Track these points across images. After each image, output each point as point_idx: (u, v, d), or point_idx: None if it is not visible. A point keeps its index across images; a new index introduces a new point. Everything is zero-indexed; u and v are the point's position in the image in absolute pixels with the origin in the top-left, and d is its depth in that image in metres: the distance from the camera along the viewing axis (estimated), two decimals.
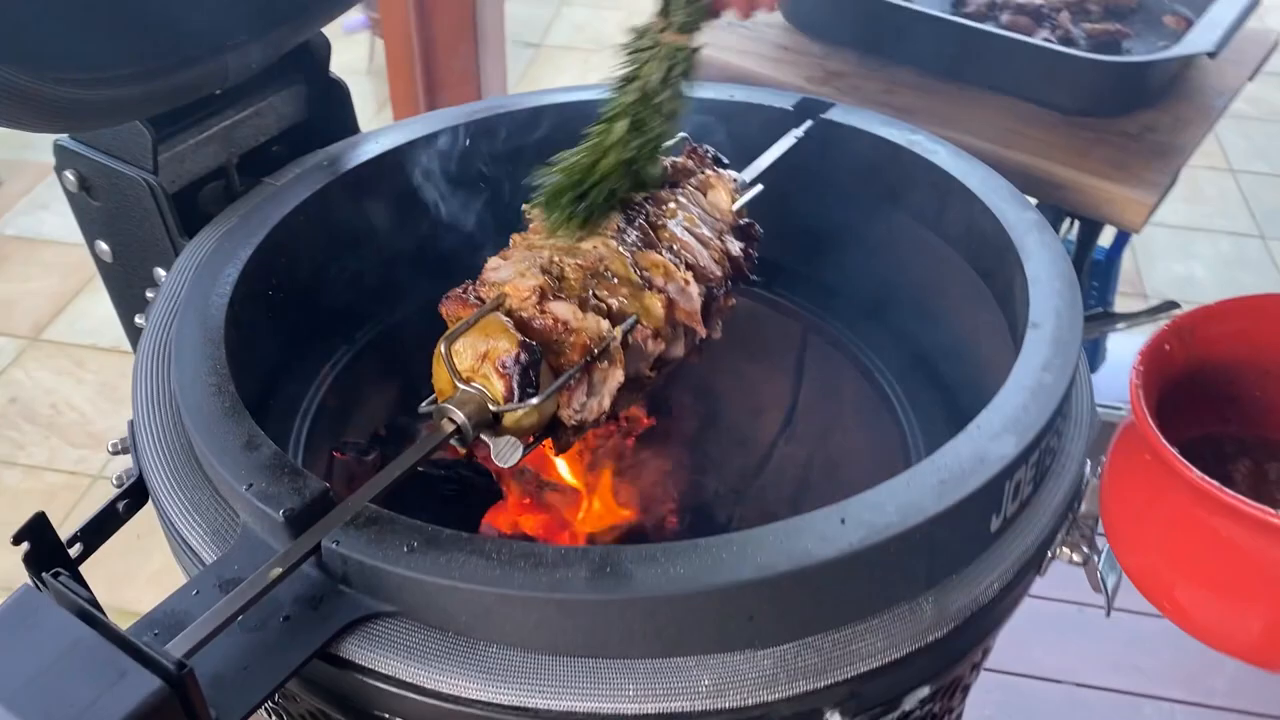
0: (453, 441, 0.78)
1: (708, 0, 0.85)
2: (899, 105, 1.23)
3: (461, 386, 0.77)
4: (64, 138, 1.02)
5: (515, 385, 0.74)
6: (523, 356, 0.74)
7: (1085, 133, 1.18)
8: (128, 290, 1.09)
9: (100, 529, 0.79)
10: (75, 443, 2.00)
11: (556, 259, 0.83)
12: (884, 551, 0.68)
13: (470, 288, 0.82)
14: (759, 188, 0.99)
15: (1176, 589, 0.75)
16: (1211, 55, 1.13)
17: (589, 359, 0.78)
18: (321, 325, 1.09)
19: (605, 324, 0.79)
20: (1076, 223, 1.21)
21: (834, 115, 1.13)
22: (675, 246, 0.87)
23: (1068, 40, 1.28)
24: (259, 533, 0.72)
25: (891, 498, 0.70)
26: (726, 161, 1.03)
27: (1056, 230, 1.16)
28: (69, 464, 2.28)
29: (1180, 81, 1.25)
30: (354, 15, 3.85)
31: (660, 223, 0.90)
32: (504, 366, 0.75)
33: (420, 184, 1.13)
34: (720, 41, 1.34)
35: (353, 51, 4.18)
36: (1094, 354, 1.63)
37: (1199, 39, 1.15)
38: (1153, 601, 0.76)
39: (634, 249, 0.85)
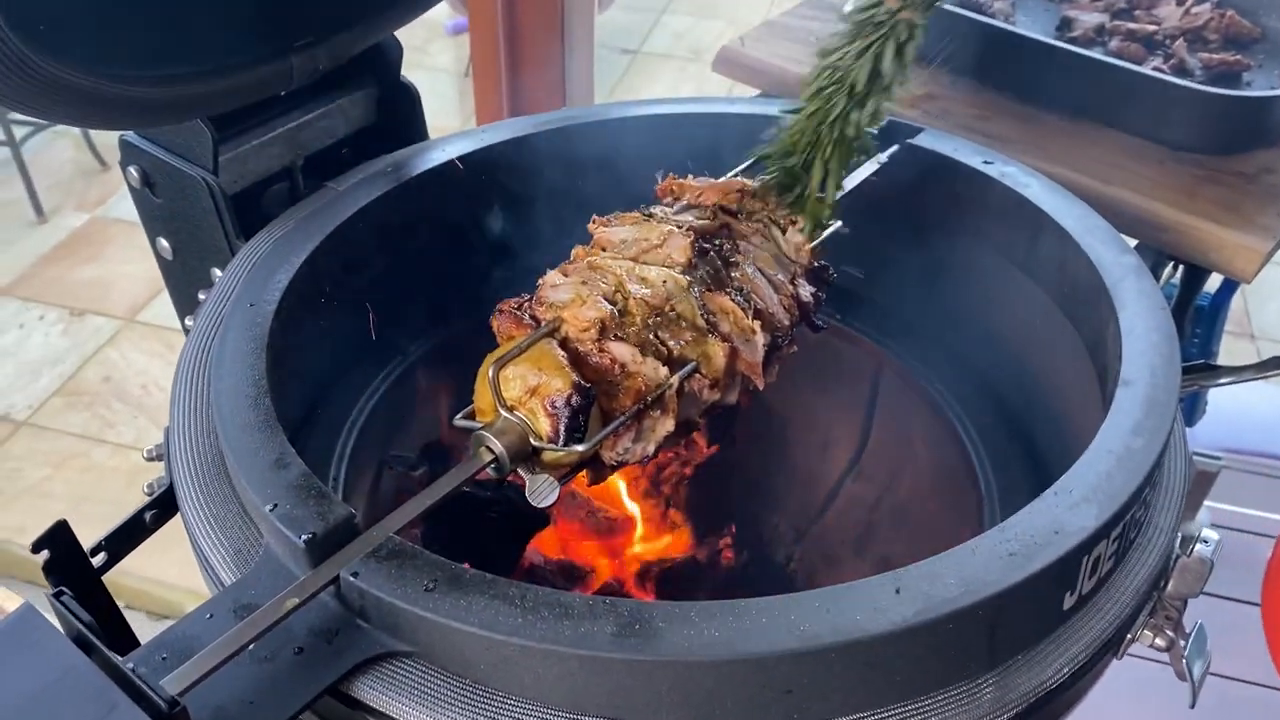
0: (489, 470, 0.74)
1: None
2: (992, 133, 1.16)
3: (504, 415, 0.73)
4: (129, 133, 1.01)
5: (563, 428, 0.70)
6: (575, 399, 0.70)
7: (1195, 170, 1.09)
8: (187, 289, 1.08)
9: (126, 538, 0.77)
10: (162, 423, 2.04)
11: (620, 288, 0.77)
12: (941, 628, 0.62)
13: (526, 304, 0.78)
14: (838, 224, 0.93)
15: None
16: None
17: (641, 406, 0.73)
18: (376, 335, 1.06)
19: (664, 370, 0.74)
20: (1181, 267, 1.12)
21: (922, 140, 1.07)
22: (746, 289, 0.82)
23: (1181, 70, 1.19)
24: (280, 557, 0.69)
25: (954, 568, 0.64)
26: None
27: (1158, 276, 1.08)
28: (157, 443, 2.34)
29: None
30: (459, 17, 3.88)
31: (733, 259, 0.84)
32: (553, 406, 0.70)
33: (485, 193, 1.11)
34: (804, 58, 1.28)
35: (455, 53, 4.22)
36: (1192, 407, 1.53)
37: None
38: None
39: (704, 286, 0.80)
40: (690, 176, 0.91)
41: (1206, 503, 2.30)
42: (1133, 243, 1.09)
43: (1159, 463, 0.73)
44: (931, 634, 0.62)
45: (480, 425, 0.75)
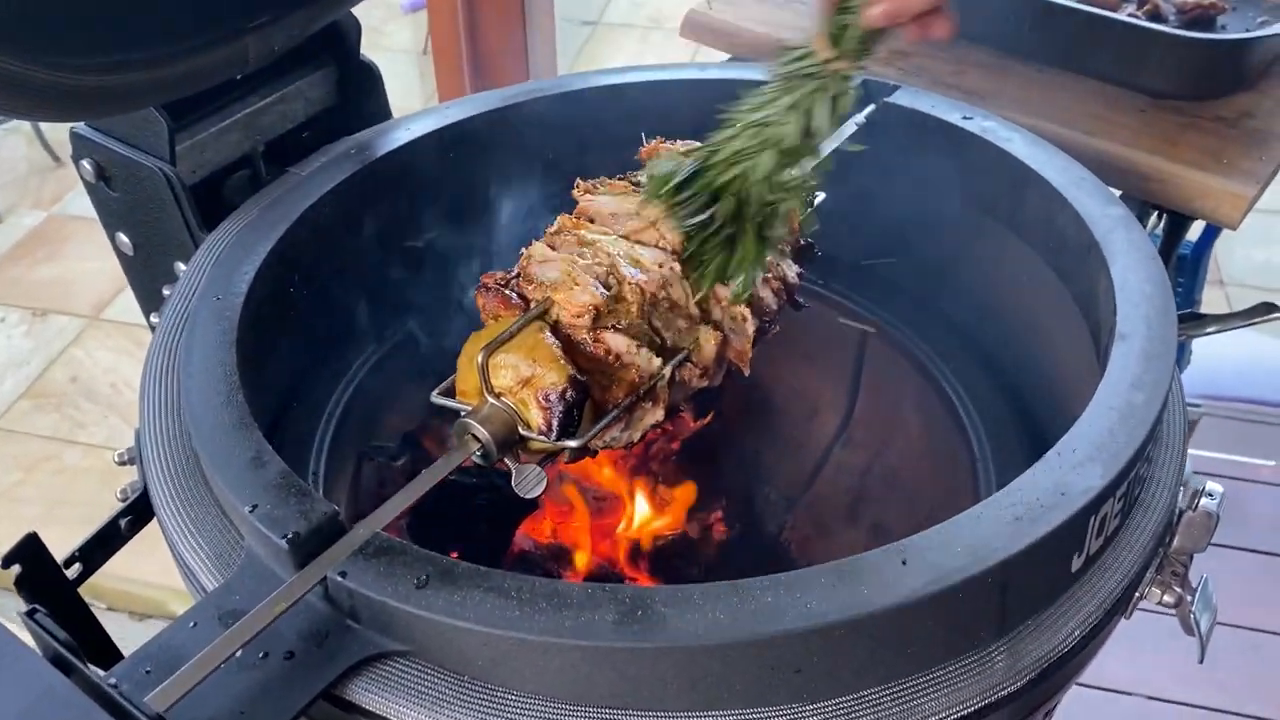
0: (474, 457, 0.72)
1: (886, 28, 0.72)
2: (970, 88, 1.13)
3: (491, 401, 0.70)
4: (80, 125, 0.97)
5: (556, 422, 0.67)
6: (570, 394, 0.68)
7: (1176, 118, 1.07)
8: (150, 285, 1.05)
9: (101, 547, 0.74)
10: (134, 422, 2.00)
11: (614, 271, 0.74)
12: (951, 598, 0.60)
13: (513, 281, 0.75)
14: (822, 196, 0.90)
15: None
16: None
17: (635, 397, 0.71)
18: (349, 323, 1.03)
19: (657, 361, 0.71)
20: (1164, 216, 1.11)
21: (899, 99, 1.04)
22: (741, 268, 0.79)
23: (1156, 16, 1.17)
24: (263, 558, 0.67)
25: (959, 536, 0.62)
26: None
27: (1143, 225, 1.07)
28: (128, 443, 2.29)
29: None
30: None
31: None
32: (547, 400, 0.68)
33: (456, 170, 1.07)
34: (775, 19, 1.26)
35: (413, 31, 4.14)
36: (1178, 357, 1.52)
37: None
38: None
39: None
40: (677, 141, 0.88)
41: (1191, 450, 2.30)
42: (1117, 194, 1.07)
43: (1160, 417, 0.71)
44: (941, 605, 0.60)
45: (464, 408, 0.72)
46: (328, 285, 0.99)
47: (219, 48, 0.90)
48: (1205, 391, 2.34)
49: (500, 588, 0.61)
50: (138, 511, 0.75)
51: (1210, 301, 3.04)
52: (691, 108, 1.09)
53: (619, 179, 0.85)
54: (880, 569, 0.61)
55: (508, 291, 0.74)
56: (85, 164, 0.99)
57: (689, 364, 0.74)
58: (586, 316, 0.71)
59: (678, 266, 0.74)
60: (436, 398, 0.75)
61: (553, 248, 0.77)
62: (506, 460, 0.69)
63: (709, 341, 0.74)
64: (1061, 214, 0.90)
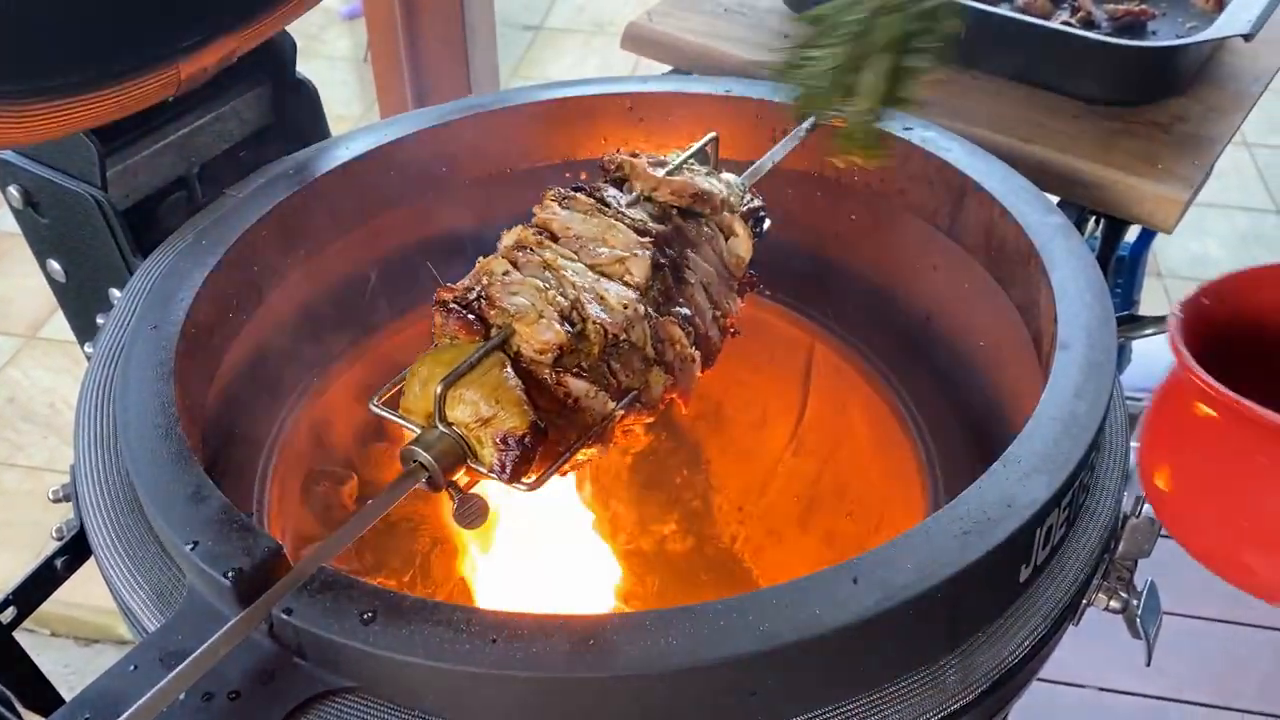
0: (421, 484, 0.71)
1: None
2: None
3: (441, 429, 0.69)
4: (4, 151, 0.95)
5: (509, 466, 0.66)
6: (529, 440, 0.67)
7: (1111, 124, 1.09)
8: (85, 313, 1.02)
9: (36, 589, 0.71)
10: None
11: (578, 307, 0.72)
12: (901, 615, 0.60)
13: (474, 301, 0.72)
14: (768, 224, 0.90)
15: (1244, 549, 0.65)
16: (1247, 38, 1.04)
17: (584, 439, 0.70)
18: (294, 345, 1.01)
19: (611, 404, 0.71)
20: (1101, 220, 1.12)
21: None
22: (690, 312, 0.78)
23: (1089, 23, 1.19)
24: (206, 596, 0.65)
25: (909, 553, 0.63)
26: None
27: (1081, 231, 1.08)
28: (68, 464, 2.26)
29: (1213, 66, 1.16)
30: (354, 1, 3.76)
31: (683, 274, 0.80)
32: (505, 443, 0.66)
33: (396, 190, 1.06)
34: (716, 30, 1.26)
35: (352, 39, 4.09)
36: (1119, 359, 1.54)
37: (1234, 20, 1.06)
38: (1215, 568, 0.67)
39: (655, 307, 0.76)
40: (640, 156, 0.87)
41: (1133, 443, 2.33)
42: (1055, 200, 1.09)
43: (1103, 425, 0.72)
44: (892, 622, 0.60)
45: (408, 426, 0.70)
46: (269, 309, 0.97)
47: (148, 71, 0.88)
48: (1148, 385, 2.38)
49: (449, 620, 0.60)
50: (74, 550, 0.73)
51: (1150, 292, 3.09)
52: (628, 121, 1.11)
53: (586, 193, 0.83)
54: (832, 588, 0.61)
55: (466, 312, 0.72)
56: (12, 190, 0.96)
57: (637, 403, 0.73)
58: (550, 354, 0.70)
59: (642, 307, 0.74)
60: (376, 408, 0.72)
61: (514, 264, 0.75)
62: (448, 490, 0.68)
63: (658, 383, 0.74)
64: (1001, 223, 0.91)
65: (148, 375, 0.78)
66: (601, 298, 0.73)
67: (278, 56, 1.05)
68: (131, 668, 0.62)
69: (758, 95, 1.08)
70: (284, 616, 0.61)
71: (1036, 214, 0.89)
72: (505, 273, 0.74)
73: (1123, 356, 1.56)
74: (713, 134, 0.92)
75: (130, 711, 0.56)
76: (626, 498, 1.22)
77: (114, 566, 0.70)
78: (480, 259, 0.77)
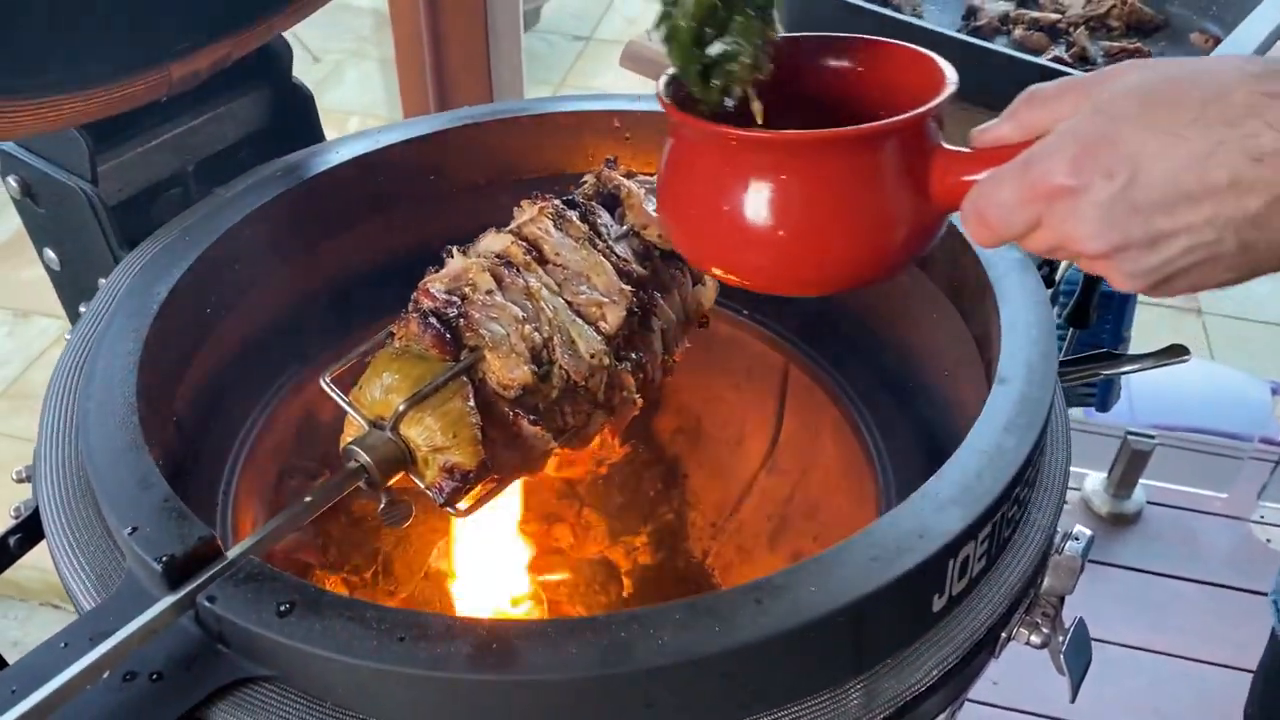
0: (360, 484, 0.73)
1: None
2: None
3: (388, 435, 0.71)
4: (6, 142, 0.99)
5: (450, 493, 0.69)
6: (473, 475, 0.69)
7: None
8: (75, 301, 1.06)
9: None
10: None
11: (549, 347, 0.74)
12: (803, 636, 0.61)
13: (452, 316, 0.73)
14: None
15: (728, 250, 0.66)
16: None
17: (516, 474, 0.73)
18: (272, 341, 1.04)
19: (553, 443, 0.74)
20: None
21: None
22: (644, 359, 0.81)
23: (1083, 58, 1.19)
24: (142, 581, 0.68)
25: (815, 575, 0.64)
26: None
27: (1055, 265, 1.08)
28: (25, 465, 2.32)
29: None
30: None
31: (649, 321, 0.82)
32: (449, 473, 0.69)
33: (382, 196, 1.09)
34: None
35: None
36: (1106, 392, 1.54)
37: None
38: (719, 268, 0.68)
39: (618, 349, 0.78)
40: (635, 180, 0.88)
41: (1143, 481, 2.30)
42: None
43: (1032, 460, 0.73)
44: (793, 643, 0.61)
45: (353, 413, 0.72)
46: (250, 305, 1.00)
47: (138, 73, 0.91)
48: (1160, 422, 2.36)
49: (361, 617, 0.62)
50: (27, 530, 0.76)
51: (1187, 330, 3.05)
52: (615, 138, 1.13)
53: (580, 216, 0.83)
54: (735, 606, 0.62)
55: (444, 333, 0.73)
56: (11, 180, 1.00)
57: (575, 439, 0.76)
58: (511, 392, 0.72)
59: (608, 359, 0.76)
60: (327, 385, 0.74)
61: (498, 281, 0.76)
62: (381, 492, 0.70)
63: (598, 423, 0.76)
64: (964, 255, 0.91)
65: (114, 365, 0.81)
66: (573, 342, 0.75)
67: (275, 62, 1.08)
68: (62, 644, 0.64)
69: None
70: (207, 604, 0.63)
71: (997, 250, 0.89)
72: (489, 291, 0.75)
73: (1109, 393, 1.56)
74: None
75: (50, 686, 0.58)
76: (600, 506, 1.24)
77: (61, 547, 0.72)
78: (462, 256, 0.78)
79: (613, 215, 0.85)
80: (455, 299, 0.74)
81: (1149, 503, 2.28)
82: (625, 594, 1.20)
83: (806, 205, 0.62)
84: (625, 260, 0.81)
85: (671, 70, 0.67)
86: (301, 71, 1.14)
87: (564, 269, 0.79)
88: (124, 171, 0.99)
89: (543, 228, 0.81)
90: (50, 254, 1.04)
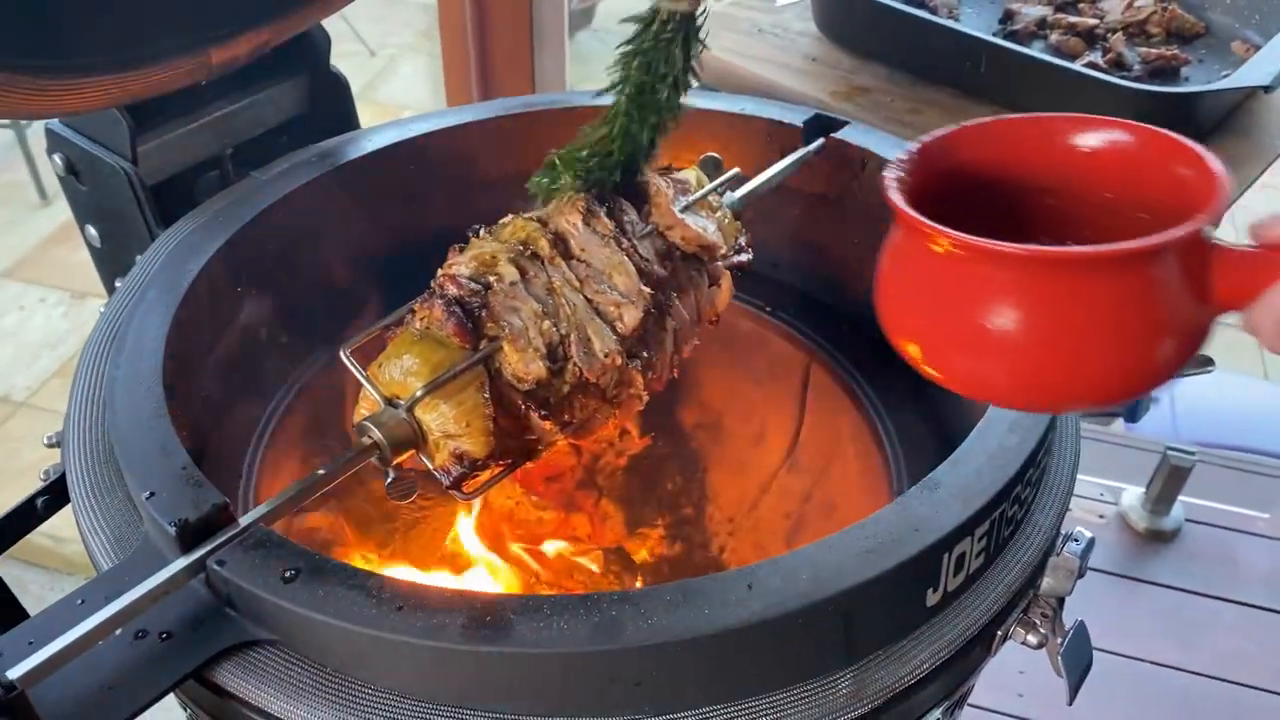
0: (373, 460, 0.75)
1: None
2: (922, 126, 1.15)
3: (402, 414, 0.73)
4: (53, 121, 1.02)
5: (456, 477, 0.71)
6: (481, 463, 0.71)
7: None
8: (114, 278, 1.09)
9: (16, 525, 0.77)
10: None
11: (565, 344, 0.76)
12: (791, 623, 0.62)
13: (475, 306, 0.74)
14: (747, 258, 0.92)
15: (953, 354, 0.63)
16: (1268, 90, 1.02)
17: (521, 461, 0.75)
18: (300, 320, 1.06)
19: (559, 436, 0.75)
20: None
21: (846, 134, 1.06)
22: (655, 360, 0.82)
23: (1119, 64, 1.18)
24: (157, 544, 0.70)
25: (807, 563, 0.64)
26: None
27: None
28: (56, 431, 2.36)
29: (1241, 115, 1.15)
30: None
31: (664, 321, 0.83)
32: (459, 459, 0.71)
33: (414, 184, 1.11)
34: (745, 49, 1.28)
35: None
36: (1136, 403, 1.52)
37: (1255, 71, 1.04)
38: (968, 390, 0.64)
39: (630, 347, 0.79)
40: (666, 177, 0.89)
41: (1181, 497, 2.26)
42: None
43: (1035, 459, 0.73)
44: (781, 628, 0.62)
45: (369, 387, 0.74)
46: (281, 285, 1.02)
47: (179, 57, 0.94)
48: (1201, 439, 2.32)
49: (363, 586, 0.64)
50: (55, 493, 0.79)
51: (1246, 348, 2.98)
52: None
53: (609, 213, 0.83)
54: (725, 590, 0.63)
55: (466, 321, 0.74)
56: (56, 158, 1.03)
57: (580, 431, 0.77)
58: (525, 385, 0.74)
59: (620, 359, 0.77)
60: (346, 357, 0.75)
61: (522, 273, 0.77)
62: (390, 470, 0.72)
63: (603, 417, 0.78)
64: None
65: (143, 337, 0.83)
66: (589, 341, 0.76)
67: (313, 50, 1.11)
68: (79, 601, 0.67)
69: (769, 115, 1.10)
70: (216, 568, 0.65)
71: None
72: (513, 283, 0.76)
73: (1139, 406, 1.53)
74: (735, 171, 0.94)
75: (58, 640, 0.61)
76: (618, 497, 1.25)
77: (84, 510, 0.75)
78: (489, 239, 0.80)
79: (640, 212, 0.86)
80: (479, 288, 0.76)
81: (1188, 520, 2.24)
82: (639, 585, 1.21)
83: (1079, 324, 0.55)
84: (647, 260, 0.82)
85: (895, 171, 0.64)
86: (358, 65, 1.18)
87: (587, 265, 0.80)
88: (163, 152, 1.03)
89: (572, 222, 0.82)
90: (92, 231, 1.07)
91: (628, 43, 0.78)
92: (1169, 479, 2.16)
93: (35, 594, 2.31)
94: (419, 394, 0.71)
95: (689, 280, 0.84)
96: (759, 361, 1.20)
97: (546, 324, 0.75)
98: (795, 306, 1.15)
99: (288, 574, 0.65)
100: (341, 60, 1.16)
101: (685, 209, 0.83)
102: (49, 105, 0.84)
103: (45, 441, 0.84)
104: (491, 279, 0.76)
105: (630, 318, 0.76)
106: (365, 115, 1.21)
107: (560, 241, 0.80)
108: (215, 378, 0.97)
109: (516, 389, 0.72)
